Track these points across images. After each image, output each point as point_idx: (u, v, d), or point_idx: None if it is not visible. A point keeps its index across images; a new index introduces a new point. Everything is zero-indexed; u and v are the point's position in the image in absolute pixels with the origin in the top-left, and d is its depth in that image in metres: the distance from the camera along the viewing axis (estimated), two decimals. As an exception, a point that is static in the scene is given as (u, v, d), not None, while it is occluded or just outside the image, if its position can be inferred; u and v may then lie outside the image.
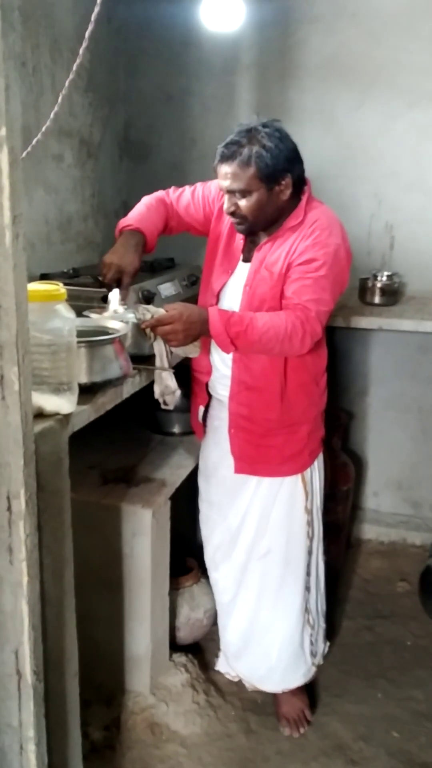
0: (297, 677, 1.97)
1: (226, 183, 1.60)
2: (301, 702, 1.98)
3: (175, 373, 1.63)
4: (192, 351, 1.65)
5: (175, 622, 2.12)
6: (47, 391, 1.21)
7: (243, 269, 1.73)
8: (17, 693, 1.20)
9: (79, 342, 1.31)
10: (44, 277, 1.98)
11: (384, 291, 2.51)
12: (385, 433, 2.90)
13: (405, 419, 2.86)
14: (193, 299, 1.89)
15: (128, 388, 1.56)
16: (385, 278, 2.53)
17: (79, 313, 1.41)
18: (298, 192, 1.65)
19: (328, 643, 2.13)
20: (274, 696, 2.00)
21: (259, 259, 1.69)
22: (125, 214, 1.80)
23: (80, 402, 1.30)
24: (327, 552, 2.05)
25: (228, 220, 1.74)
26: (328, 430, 1.98)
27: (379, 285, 2.51)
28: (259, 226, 1.67)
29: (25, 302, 1.04)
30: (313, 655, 2.02)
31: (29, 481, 1.11)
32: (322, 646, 2.07)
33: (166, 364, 1.60)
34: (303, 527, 1.88)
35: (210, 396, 1.91)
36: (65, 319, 1.21)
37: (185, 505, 2.07)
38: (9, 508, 1.11)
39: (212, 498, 1.97)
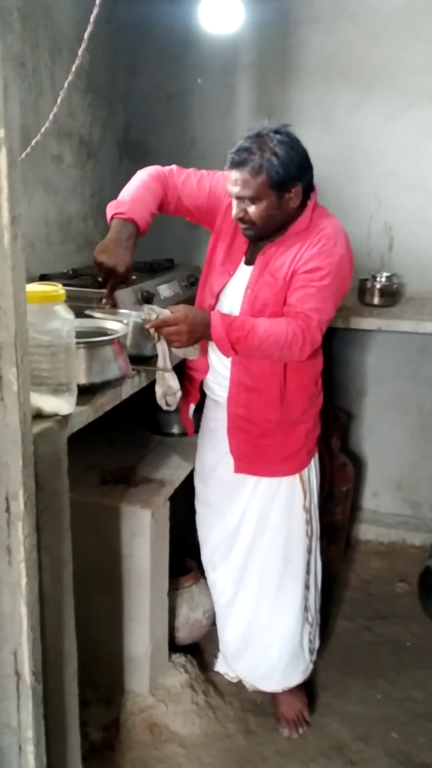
0: (296, 675, 1.98)
1: (235, 189, 1.57)
2: (300, 702, 1.99)
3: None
4: (192, 353, 1.65)
5: (175, 622, 2.12)
6: (46, 392, 1.21)
7: (245, 272, 1.72)
8: (16, 694, 1.20)
9: (78, 343, 1.31)
10: (44, 277, 1.98)
11: (383, 292, 2.51)
12: (385, 434, 2.91)
13: (404, 420, 2.86)
14: (192, 300, 1.89)
15: (127, 389, 1.57)
16: (384, 279, 2.53)
17: (79, 314, 1.40)
18: (305, 198, 1.64)
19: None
20: (273, 696, 2.00)
21: (262, 263, 1.67)
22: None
23: (79, 403, 1.30)
24: (326, 552, 2.05)
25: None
26: (327, 430, 1.98)
27: (378, 286, 2.51)
28: (267, 233, 1.65)
29: (23, 303, 1.05)
30: (311, 652, 2.02)
31: (28, 482, 1.11)
32: (318, 643, 2.07)
33: (169, 365, 1.60)
34: (302, 526, 1.88)
35: (202, 394, 1.90)
36: (64, 320, 1.21)
37: (184, 505, 2.07)
38: (8, 509, 1.11)
39: (209, 499, 1.97)
